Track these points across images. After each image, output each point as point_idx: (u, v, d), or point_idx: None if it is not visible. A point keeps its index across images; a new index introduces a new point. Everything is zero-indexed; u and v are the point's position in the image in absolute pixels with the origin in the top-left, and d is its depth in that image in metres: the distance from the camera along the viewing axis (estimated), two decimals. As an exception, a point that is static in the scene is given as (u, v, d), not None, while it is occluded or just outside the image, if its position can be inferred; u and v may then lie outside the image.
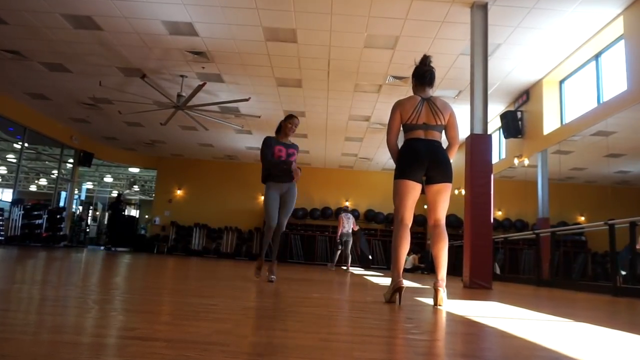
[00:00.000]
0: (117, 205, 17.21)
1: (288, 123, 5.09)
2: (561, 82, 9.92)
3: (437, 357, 1.57)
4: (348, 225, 11.61)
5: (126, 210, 20.19)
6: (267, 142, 5.04)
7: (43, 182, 26.59)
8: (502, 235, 11.55)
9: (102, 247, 18.71)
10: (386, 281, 6.83)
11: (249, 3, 7.52)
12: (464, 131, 8.05)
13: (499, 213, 14.01)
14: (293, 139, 5.32)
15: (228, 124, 12.80)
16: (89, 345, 1.37)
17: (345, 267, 11.81)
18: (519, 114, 10.89)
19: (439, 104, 3.42)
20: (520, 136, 10.90)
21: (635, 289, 6.15)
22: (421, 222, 18.87)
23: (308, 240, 18.45)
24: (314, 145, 15.92)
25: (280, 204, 5.00)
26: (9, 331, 1.47)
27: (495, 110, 11.55)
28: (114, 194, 24.55)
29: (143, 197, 26.53)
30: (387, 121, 3.73)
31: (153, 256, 13.31)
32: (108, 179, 25.74)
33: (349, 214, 11.84)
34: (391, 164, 17.12)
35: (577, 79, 9.50)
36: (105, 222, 20.10)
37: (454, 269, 11.99)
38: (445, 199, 3.33)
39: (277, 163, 4.93)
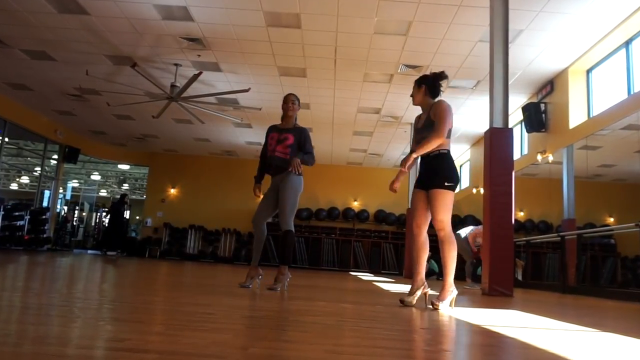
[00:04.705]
0: (119, 207, 17.06)
1: (283, 103, 4.72)
2: (588, 71, 9.87)
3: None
4: None
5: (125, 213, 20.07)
6: (266, 134, 4.79)
7: (25, 180, 26.75)
8: (524, 238, 11.52)
9: (100, 252, 18.68)
10: (397, 288, 6.84)
11: (248, -15, 7.53)
12: (483, 125, 8.02)
13: (521, 214, 13.97)
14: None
15: (226, 117, 12.81)
16: (74, 358, 1.37)
17: None
18: (542, 106, 10.84)
19: None
20: (543, 130, 10.85)
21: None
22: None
23: (313, 243, 18.38)
24: (320, 140, 15.90)
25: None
26: (-11, 342, 1.48)
27: (517, 102, 11.50)
28: (111, 193, 24.52)
29: (134, 197, 26.61)
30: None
31: (145, 260, 13.36)
32: (95, 176, 25.81)
33: None
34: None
35: (605, 67, 9.45)
36: (105, 224, 19.96)
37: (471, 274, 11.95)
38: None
39: (268, 157, 4.62)
